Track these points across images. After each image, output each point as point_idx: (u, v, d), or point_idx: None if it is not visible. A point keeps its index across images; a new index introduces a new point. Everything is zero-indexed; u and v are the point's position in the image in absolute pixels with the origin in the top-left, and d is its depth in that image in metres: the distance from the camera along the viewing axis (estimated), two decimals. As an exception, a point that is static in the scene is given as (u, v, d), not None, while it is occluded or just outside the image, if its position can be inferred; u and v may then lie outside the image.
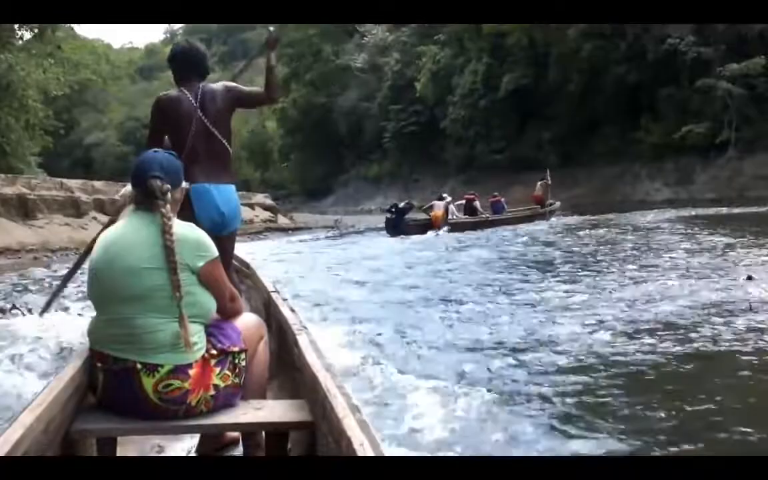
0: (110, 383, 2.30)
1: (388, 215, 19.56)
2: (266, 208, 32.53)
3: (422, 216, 20.73)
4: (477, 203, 21.44)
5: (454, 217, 20.19)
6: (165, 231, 2.26)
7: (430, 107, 51.18)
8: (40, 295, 8.67)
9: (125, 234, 2.34)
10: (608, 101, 40.75)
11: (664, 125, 38.18)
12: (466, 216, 20.71)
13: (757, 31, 34.82)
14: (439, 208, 19.72)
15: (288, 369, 2.97)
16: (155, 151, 2.52)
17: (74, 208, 19.60)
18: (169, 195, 2.33)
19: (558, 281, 8.97)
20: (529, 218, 21.84)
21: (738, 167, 35.85)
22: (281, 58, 65.93)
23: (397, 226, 19.07)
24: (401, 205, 19.91)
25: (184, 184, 2.52)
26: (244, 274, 4.81)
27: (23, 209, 17.58)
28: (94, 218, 19.75)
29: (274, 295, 3.75)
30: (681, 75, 37.71)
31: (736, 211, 23.49)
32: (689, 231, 15.51)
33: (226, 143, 3.72)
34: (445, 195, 20.83)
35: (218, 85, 3.80)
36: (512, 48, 44.34)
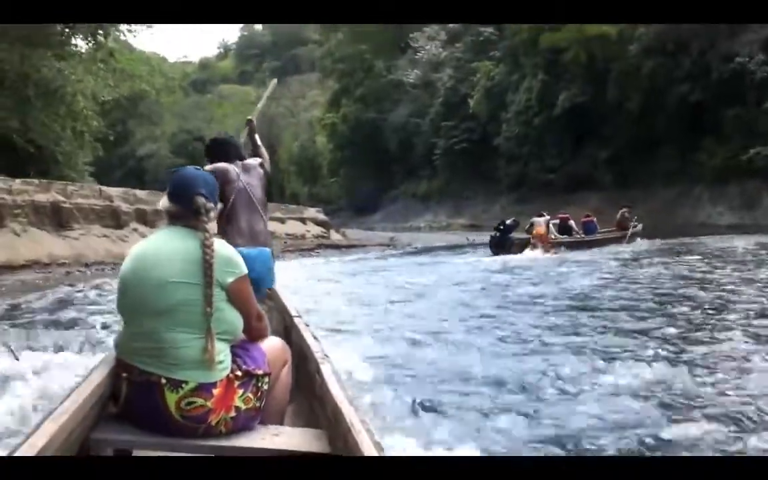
0: (133, 395, 2.31)
1: (494, 233, 18.71)
2: (318, 223, 31.49)
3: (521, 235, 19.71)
4: (572, 222, 20.92)
5: (553, 236, 19.65)
6: (207, 246, 2.28)
7: (482, 124, 50.29)
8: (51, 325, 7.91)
9: (158, 247, 2.35)
10: (669, 121, 39.32)
11: (728, 147, 36.58)
12: (564, 236, 20.14)
13: (831, 50, 33.09)
14: (540, 225, 18.79)
15: (305, 396, 2.98)
16: (196, 169, 2.55)
17: (114, 219, 18.60)
18: (212, 213, 2.37)
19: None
20: (618, 240, 21.03)
21: None
22: (333, 73, 66.24)
23: (503, 244, 18.32)
24: (508, 221, 19.04)
25: (219, 206, 2.64)
26: (266, 295, 4.72)
27: (57, 218, 16.39)
28: (135, 230, 19.03)
29: (296, 320, 3.70)
30: (748, 95, 36.05)
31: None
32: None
33: (261, 210, 4.06)
34: (543, 213, 19.91)
35: (254, 161, 4.23)
36: (569, 65, 43.13)
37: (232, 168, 4.08)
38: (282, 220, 26.90)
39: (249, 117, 4.69)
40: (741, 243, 20.36)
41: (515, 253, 17.93)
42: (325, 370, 2.70)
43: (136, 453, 2.39)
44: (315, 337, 3.28)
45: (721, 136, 37.34)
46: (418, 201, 57.00)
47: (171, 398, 2.26)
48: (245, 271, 2.42)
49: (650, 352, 6.02)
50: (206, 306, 2.25)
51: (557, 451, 3.41)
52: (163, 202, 2.56)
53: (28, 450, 1.79)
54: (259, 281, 3.70)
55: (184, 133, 79.82)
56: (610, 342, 6.58)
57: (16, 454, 1.80)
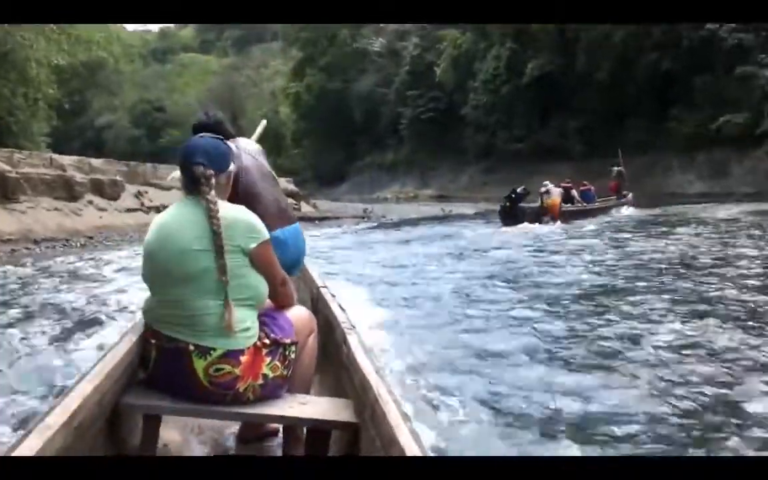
0: (162, 361, 2.29)
1: (504, 203, 17.39)
2: (289, 194, 29.59)
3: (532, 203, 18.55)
4: (574, 192, 19.97)
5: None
6: (211, 216, 2.23)
7: (449, 93, 49.53)
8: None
9: (176, 217, 2.33)
10: (638, 90, 38.56)
11: (698, 115, 35.94)
12: (568, 205, 19.12)
13: (802, 17, 32.07)
14: (556, 195, 17.75)
15: (331, 366, 2.93)
16: (201, 136, 2.47)
17: (66, 190, 16.78)
18: (213, 180, 2.28)
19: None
20: (617, 208, 21.21)
21: None
22: (296, 42, 64.04)
23: (515, 214, 17.03)
24: (519, 190, 17.48)
25: (232, 167, 2.46)
26: None
27: (1, 189, 14.55)
28: (91, 202, 17.31)
29: (323, 290, 3.55)
30: (717, 63, 35.30)
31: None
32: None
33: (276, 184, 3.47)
34: (546, 183, 18.53)
35: (252, 142, 3.62)
36: (538, 33, 42.11)
37: (233, 146, 3.37)
38: None
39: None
40: (726, 209, 20.07)
41: (526, 221, 16.85)
42: (352, 340, 2.65)
43: (165, 417, 2.38)
44: (341, 308, 3.17)
45: (690, 104, 36.68)
46: (385, 171, 55.82)
47: (199, 364, 2.24)
48: (267, 235, 2.35)
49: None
50: (220, 274, 2.20)
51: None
52: (174, 174, 2.49)
53: (61, 414, 1.81)
54: (295, 263, 3.42)
55: (144, 103, 77.76)
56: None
57: (49, 418, 1.79)
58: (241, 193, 3.10)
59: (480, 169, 47.10)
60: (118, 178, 19.44)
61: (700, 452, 3.23)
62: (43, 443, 1.68)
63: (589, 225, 16.83)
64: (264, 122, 4.43)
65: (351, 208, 32.05)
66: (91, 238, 15.13)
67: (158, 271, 2.32)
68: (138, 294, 5.77)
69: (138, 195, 19.83)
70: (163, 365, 2.31)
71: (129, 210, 18.46)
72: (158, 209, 19.29)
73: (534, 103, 43.26)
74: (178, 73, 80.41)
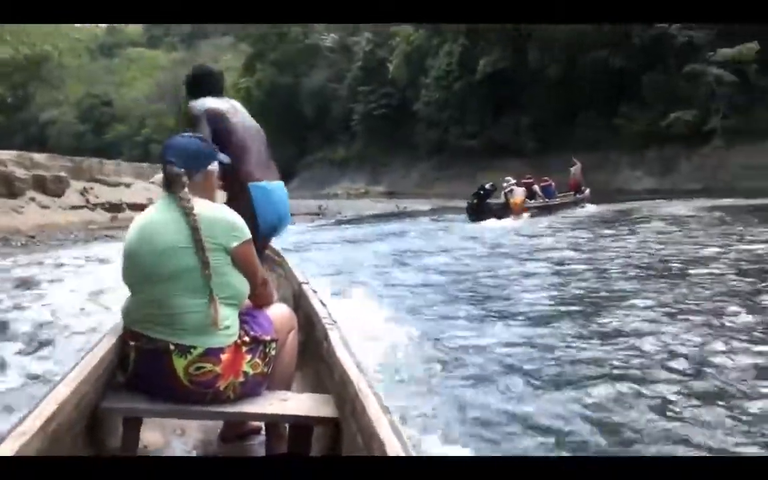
0: (141, 362, 2.27)
1: (472, 200, 17.20)
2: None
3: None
4: (536, 187, 19.75)
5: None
6: (186, 213, 2.23)
7: (401, 89, 48.88)
8: None
9: (157, 215, 2.30)
10: (590, 87, 38.30)
11: (648, 112, 35.82)
12: (531, 200, 19.00)
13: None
14: (519, 194, 17.57)
15: (312, 362, 2.93)
16: (180, 136, 2.46)
17: (6, 186, 15.89)
18: (184, 179, 2.28)
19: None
20: (576, 203, 21.26)
21: (724, 157, 33.52)
22: (246, 37, 62.53)
23: (482, 209, 16.90)
24: (487, 186, 17.36)
25: (212, 167, 2.42)
26: (274, 262, 4.51)
27: None
28: (33, 199, 16.32)
29: (304, 286, 3.56)
30: (668, 60, 35.24)
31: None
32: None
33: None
34: (509, 178, 18.53)
35: (238, 104, 3.65)
36: (490, 30, 41.46)
37: (226, 104, 3.45)
38: None
39: None
40: (682, 206, 19.91)
41: (493, 217, 16.69)
42: (333, 335, 2.65)
43: (146, 420, 2.37)
44: (323, 303, 3.13)
45: (641, 101, 36.53)
46: (335, 167, 54.98)
47: (179, 364, 2.20)
48: (248, 234, 2.35)
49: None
50: (204, 270, 2.19)
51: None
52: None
53: (37, 419, 1.77)
54: (282, 223, 3.47)
55: (91, 98, 75.42)
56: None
57: (24, 424, 1.74)
58: (233, 149, 3.17)
59: (432, 165, 46.60)
60: (62, 174, 18.46)
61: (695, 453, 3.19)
62: (18, 449, 1.64)
63: (555, 222, 16.52)
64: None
65: (303, 205, 30.97)
66: (32, 237, 14.32)
67: (139, 270, 2.29)
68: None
69: (83, 192, 19.02)
70: (143, 366, 2.28)
71: (74, 207, 17.73)
72: (104, 206, 18.91)
73: (486, 99, 42.80)
74: (125, 67, 77.94)
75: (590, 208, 20.71)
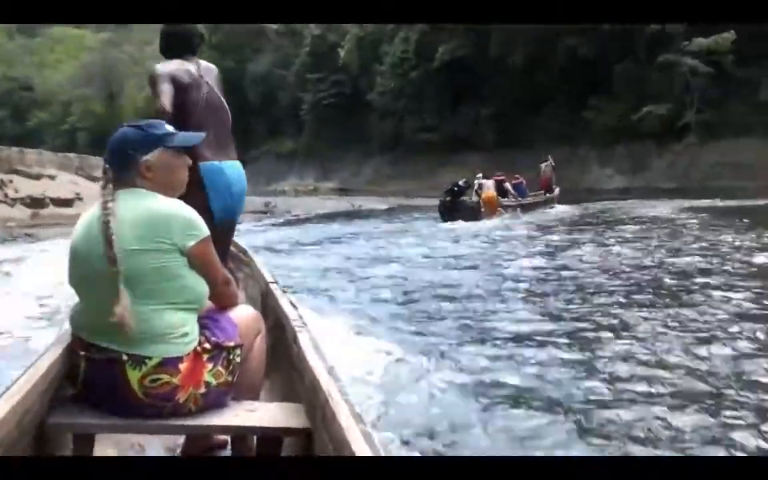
0: (92, 374, 2.16)
1: (445, 198, 16.86)
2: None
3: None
4: (508, 185, 19.50)
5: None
6: (104, 208, 2.11)
7: (354, 77, 47.74)
8: None
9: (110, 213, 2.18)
10: (555, 77, 37.40)
11: (618, 105, 34.96)
12: (504, 199, 18.76)
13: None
14: (489, 188, 17.24)
15: (283, 368, 2.83)
16: (121, 125, 2.32)
17: None
18: (110, 175, 2.17)
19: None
20: (547, 203, 20.98)
21: (698, 154, 32.92)
22: None
23: (456, 208, 16.52)
24: (461, 182, 16.98)
25: (149, 156, 2.19)
26: (241, 261, 4.45)
27: None
28: None
29: (272, 286, 3.47)
30: (639, 50, 34.31)
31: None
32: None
33: (229, 113, 3.57)
34: (479, 175, 18.16)
35: (210, 64, 3.60)
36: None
37: (191, 67, 3.39)
38: None
39: None
40: (666, 209, 19.19)
41: (470, 219, 16.13)
42: (302, 339, 2.55)
43: (99, 436, 2.28)
44: (293, 305, 3.05)
45: (611, 94, 35.63)
46: (282, 161, 53.18)
47: (133, 376, 2.09)
48: (207, 232, 2.20)
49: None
50: (110, 265, 2.05)
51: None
52: None
53: None
54: (240, 204, 3.46)
55: (8, 81, 71.66)
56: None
57: None
58: (191, 127, 3.08)
59: (386, 160, 45.57)
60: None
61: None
62: None
63: (531, 223, 16.08)
64: None
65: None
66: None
67: (87, 273, 2.17)
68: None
69: (1, 184, 18.05)
70: (94, 378, 2.16)
71: (-11, 202, 17.22)
72: (25, 201, 17.74)
73: (445, 89, 41.87)
74: (48, 48, 74.05)
75: (560, 209, 20.26)
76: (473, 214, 16.45)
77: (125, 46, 70.64)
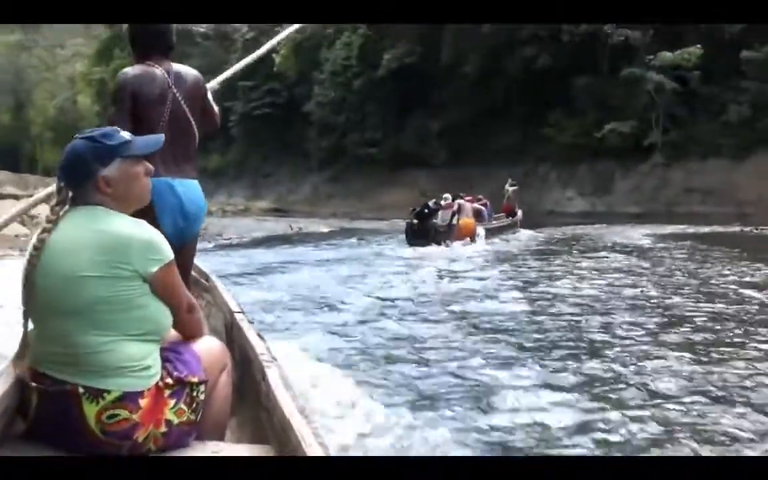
0: (45, 408, 2.15)
1: (412, 220, 16.17)
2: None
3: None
4: (478, 207, 18.72)
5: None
6: (37, 239, 2.13)
7: (290, 86, 46.90)
8: None
9: (64, 233, 2.16)
10: (511, 89, 36.41)
11: (578, 121, 34.01)
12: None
13: (692, 15, 30.31)
14: (468, 213, 16.30)
15: (249, 406, 2.81)
16: (76, 136, 2.27)
17: None
18: (63, 193, 2.18)
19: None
20: (510, 227, 20.25)
21: (665, 176, 32.26)
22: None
23: (425, 232, 15.72)
24: (431, 203, 16.27)
25: (106, 170, 2.15)
26: (203, 287, 4.36)
27: None
28: None
29: (238, 317, 3.40)
30: (601, 62, 33.54)
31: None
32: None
33: (196, 130, 3.48)
34: (447, 196, 16.87)
35: (189, 69, 3.52)
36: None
37: (159, 73, 3.34)
38: (48, 200, 20.60)
39: None
40: (636, 233, 19.39)
41: (441, 243, 15.39)
42: (271, 375, 2.54)
43: None
44: (260, 337, 3.04)
45: (570, 108, 34.73)
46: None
47: (90, 410, 2.09)
48: (171, 256, 2.18)
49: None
50: (24, 293, 2.14)
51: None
52: None
53: None
54: (192, 225, 3.40)
55: None
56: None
57: None
58: (159, 129, 3.22)
59: (325, 177, 44.49)
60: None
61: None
62: None
63: (502, 249, 15.68)
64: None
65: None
66: None
67: (40, 299, 2.14)
68: None
69: None
70: (47, 412, 2.13)
71: None
72: None
73: (390, 100, 40.98)
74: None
75: (525, 233, 19.86)
76: (446, 237, 15.65)
77: (35, 50, 69.20)
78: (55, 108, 65.78)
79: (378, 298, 8.57)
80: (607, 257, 13.51)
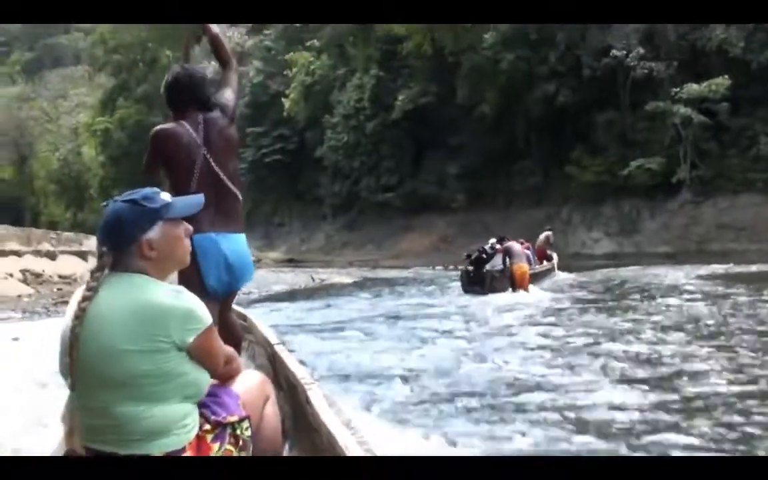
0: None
1: (468, 267, 15.84)
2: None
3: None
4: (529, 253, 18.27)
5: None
6: (77, 309, 2.14)
7: (300, 130, 46.69)
8: None
9: (103, 301, 2.17)
10: (531, 127, 36.90)
11: (602, 159, 34.28)
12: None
13: (716, 43, 30.78)
14: (521, 258, 15.58)
15: (304, 430, 2.91)
16: (115, 200, 2.31)
17: None
18: (106, 258, 2.20)
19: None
20: (547, 273, 19.74)
21: (695, 213, 32.41)
22: (105, 66, 59.83)
23: (481, 279, 15.37)
24: (488, 247, 15.81)
25: (150, 233, 2.21)
26: (242, 328, 4.41)
27: None
28: None
29: (278, 348, 3.67)
30: (623, 96, 33.86)
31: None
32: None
33: (233, 186, 3.58)
34: (493, 240, 16.54)
35: (216, 112, 3.60)
36: (410, 57, 39.74)
37: (186, 131, 3.46)
38: (52, 256, 21.44)
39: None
40: (678, 274, 18.92)
41: (498, 289, 14.98)
42: (314, 396, 2.73)
43: None
44: (302, 362, 3.30)
45: (593, 145, 35.01)
46: None
47: None
48: (209, 321, 2.21)
49: None
50: (64, 370, 2.16)
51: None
52: None
53: None
54: (238, 278, 3.52)
55: None
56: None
57: None
58: (191, 190, 3.36)
59: (339, 225, 44.53)
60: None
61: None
62: None
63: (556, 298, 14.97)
64: None
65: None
66: None
67: (76, 370, 2.17)
68: None
69: None
70: None
71: None
72: None
73: (406, 143, 41.34)
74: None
75: (562, 276, 19.89)
76: (504, 286, 15.28)
77: (38, 101, 69.85)
78: (58, 160, 66.17)
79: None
80: (673, 304, 12.59)
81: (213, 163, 3.46)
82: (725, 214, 30.93)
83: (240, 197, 3.59)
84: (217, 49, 3.81)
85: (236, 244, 3.47)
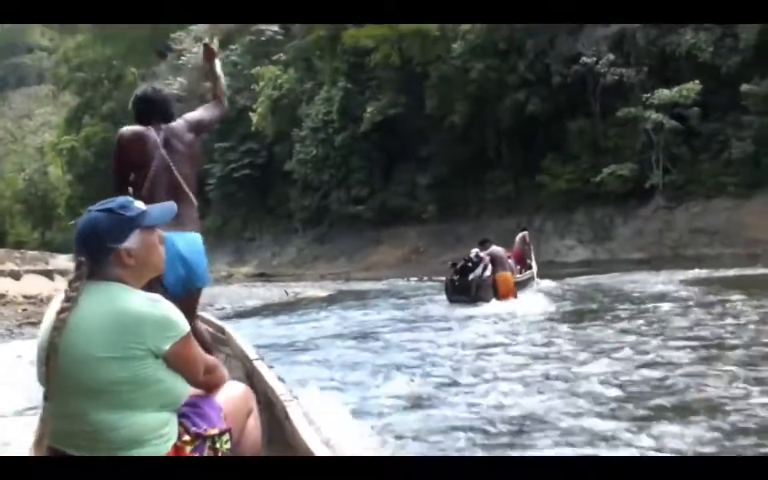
0: None
1: (453, 276, 15.51)
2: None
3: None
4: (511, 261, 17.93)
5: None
6: (58, 313, 2.15)
7: (269, 145, 46.29)
8: None
9: (80, 310, 2.18)
10: (501, 136, 36.92)
11: (573, 166, 34.26)
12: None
13: (685, 48, 30.83)
14: (504, 265, 15.30)
15: (280, 447, 2.94)
16: (89, 210, 2.32)
17: None
18: (83, 267, 2.21)
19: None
20: (527, 281, 19.10)
21: (668, 219, 32.26)
22: (70, 84, 59.15)
23: (466, 288, 15.00)
24: (472, 256, 15.43)
25: (127, 242, 2.23)
26: (219, 341, 4.58)
27: None
28: None
29: (257, 363, 3.66)
30: (593, 103, 33.87)
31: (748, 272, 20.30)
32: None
33: (189, 191, 3.80)
34: (476, 249, 15.86)
35: (179, 121, 3.87)
36: (378, 68, 39.61)
37: (150, 134, 3.75)
38: (16, 275, 20.81)
39: (206, 42, 4.25)
40: (657, 280, 19.14)
41: (484, 298, 14.67)
42: (293, 413, 2.74)
43: None
44: (281, 379, 3.29)
45: (563, 153, 34.99)
46: None
47: None
48: (186, 329, 2.23)
49: None
50: (42, 377, 2.20)
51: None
52: None
53: None
54: (194, 276, 3.70)
55: None
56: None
57: None
58: (146, 186, 3.66)
59: (310, 238, 44.43)
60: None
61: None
62: None
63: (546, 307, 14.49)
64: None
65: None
66: None
67: (52, 378, 2.17)
68: None
69: None
70: None
71: None
72: None
73: (375, 155, 41.23)
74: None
75: (545, 284, 19.43)
76: (488, 295, 14.98)
77: (1, 121, 70.15)
78: (24, 180, 65.80)
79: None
80: (661, 310, 12.29)
81: (171, 164, 3.69)
82: (698, 218, 30.83)
83: (195, 203, 3.80)
84: (213, 82, 4.09)
85: (190, 241, 3.67)
